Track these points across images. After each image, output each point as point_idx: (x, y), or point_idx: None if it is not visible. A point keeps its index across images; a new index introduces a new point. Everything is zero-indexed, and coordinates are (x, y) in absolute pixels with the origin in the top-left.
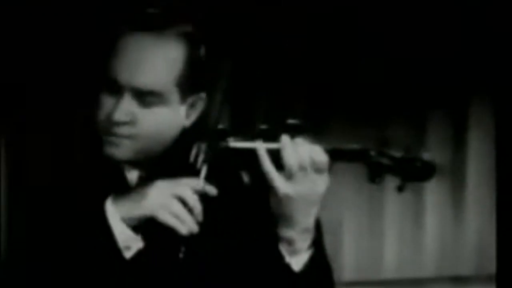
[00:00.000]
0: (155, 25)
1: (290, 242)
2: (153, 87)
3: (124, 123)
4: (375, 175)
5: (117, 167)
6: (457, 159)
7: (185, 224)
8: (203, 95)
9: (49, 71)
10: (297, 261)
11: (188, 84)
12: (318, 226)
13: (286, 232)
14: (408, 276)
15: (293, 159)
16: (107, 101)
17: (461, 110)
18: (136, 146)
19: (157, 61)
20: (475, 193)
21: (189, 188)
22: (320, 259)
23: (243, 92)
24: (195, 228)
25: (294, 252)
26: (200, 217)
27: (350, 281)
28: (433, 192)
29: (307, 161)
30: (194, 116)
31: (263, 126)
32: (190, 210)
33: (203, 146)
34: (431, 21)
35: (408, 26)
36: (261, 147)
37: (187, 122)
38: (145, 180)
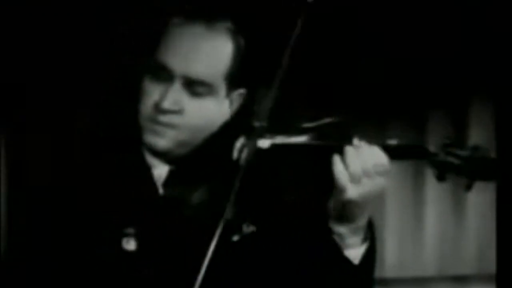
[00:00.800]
0: (207, 17)
1: (342, 237)
2: (204, 77)
3: (172, 112)
4: (441, 173)
5: (143, 163)
6: None
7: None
8: (243, 91)
9: (49, 71)
10: (354, 255)
11: (235, 79)
12: (370, 222)
13: (339, 228)
14: (409, 275)
15: (358, 165)
16: (154, 89)
17: (461, 110)
18: (179, 137)
19: (210, 52)
20: (476, 193)
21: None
22: (374, 252)
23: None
24: None
25: (346, 247)
26: None
27: None
28: (434, 191)
29: (370, 165)
30: (232, 111)
31: (307, 124)
32: None
33: (249, 143)
34: (432, 21)
35: (408, 26)
36: (336, 151)
37: (224, 117)
38: (177, 176)
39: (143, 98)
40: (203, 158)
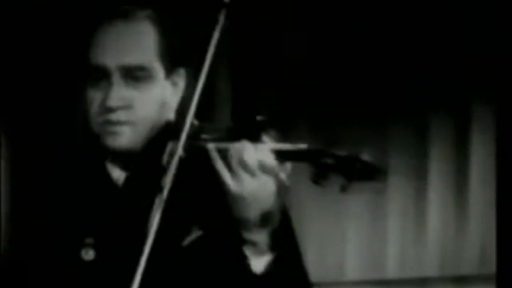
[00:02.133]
0: (123, 12)
1: (253, 244)
2: (138, 61)
3: (121, 108)
4: (319, 175)
5: (101, 165)
6: (459, 160)
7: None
8: (182, 71)
9: (47, 71)
10: (258, 263)
11: (168, 58)
12: (287, 228)
13: (248, 235)
14: (410, 275)
15: (236, 161)
16: (96, 93)
17: (463, 111)
18: (137, 131)
19: (136, 37)
20: (478, 193)
21: None
22: (287, 260)
23: (243, 89)
24: None
25: (257, 253)
26: None
27: (353, 281)
28: (436, 191)
29: (252, 163)
30: (179, 93)
31: (232, 124)
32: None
33: (177, 146)
34: (433, 22)
35: (410, 26)
36: (213, 147)
37: (173, 102)
38: (130, 180)
39: (90, 105)
40: (145, 161)
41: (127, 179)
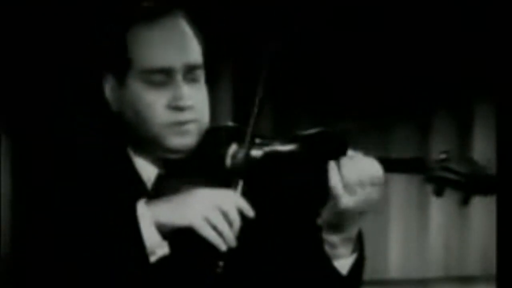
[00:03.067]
0: (162, 10)
1: (333, 246)
2: (197, 60)
3: (189, 108)
4: (440, 189)
5: (130, 165)
6: None
7: (226, 240)
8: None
9: (49, 70)
10: (343, 265)
11: (205, 59)
12: (360, 232)
13: (331, 237)
14: (413, 276)
15: (354, 175)
16: (160, 94)
17: (465, 110)
18: (199, 130)
19: (187, 36)
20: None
21: (232, 200)
22: (362, 264)
23: (243, 89)
24: (233, 243)
25: (336, 257)
26: (237, 232)
27: None
28: None
29: (366, 176)
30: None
31: (301, 132)
32: (230, 224)
33: (242, 151)
34: (435, 21)
35: (411, 25)
36: (332, 160)
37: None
38: (165, 179)
39: (149, 107)
40: (194, 160)
41: (159, 176)
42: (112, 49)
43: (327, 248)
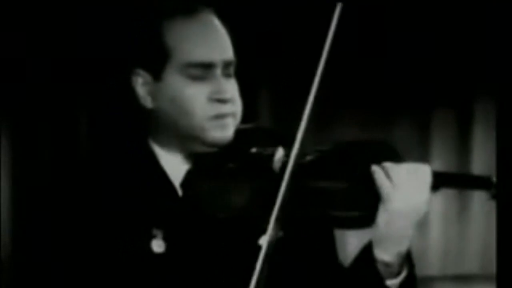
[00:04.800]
0: (197, 6)
1: (387, 265)
2: (232, 55)
3: (230, 101)
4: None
5: (155, 161)
6: (461, 158)
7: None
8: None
9: (50, 67)
10: (394, 283)
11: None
12: (409, 251)
13: (383, 255)
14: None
15: (401, 172)
16: (201, 88)
17: (465, 109)
18: (235, 124)
19: (222, 32)
20: (480, 192)
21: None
22: (413, 280)
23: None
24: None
25: (391, 275)
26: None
27: None
28: (438, 192)
29: (413, 175)
30: None
31: (340, 140)
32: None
33: (289, 153)
34: (435, 19)
35: (412, 23)
36: (374, 165)
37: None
38: (195, 175)
39: (190, 101)
40: (224, 156)
41: (188, 172)
42: (148, 43)
43: (379, 267)
